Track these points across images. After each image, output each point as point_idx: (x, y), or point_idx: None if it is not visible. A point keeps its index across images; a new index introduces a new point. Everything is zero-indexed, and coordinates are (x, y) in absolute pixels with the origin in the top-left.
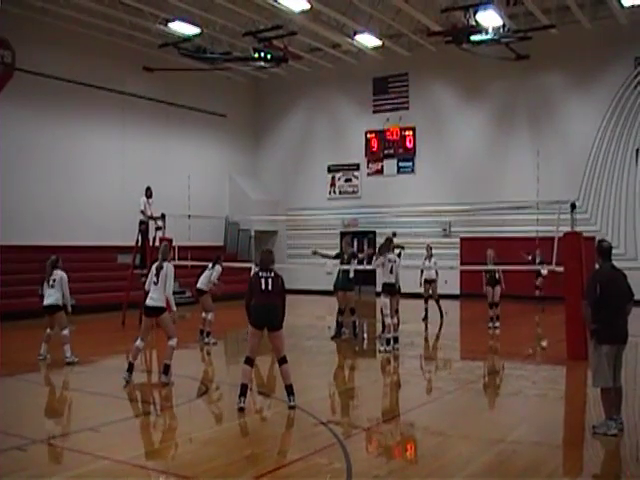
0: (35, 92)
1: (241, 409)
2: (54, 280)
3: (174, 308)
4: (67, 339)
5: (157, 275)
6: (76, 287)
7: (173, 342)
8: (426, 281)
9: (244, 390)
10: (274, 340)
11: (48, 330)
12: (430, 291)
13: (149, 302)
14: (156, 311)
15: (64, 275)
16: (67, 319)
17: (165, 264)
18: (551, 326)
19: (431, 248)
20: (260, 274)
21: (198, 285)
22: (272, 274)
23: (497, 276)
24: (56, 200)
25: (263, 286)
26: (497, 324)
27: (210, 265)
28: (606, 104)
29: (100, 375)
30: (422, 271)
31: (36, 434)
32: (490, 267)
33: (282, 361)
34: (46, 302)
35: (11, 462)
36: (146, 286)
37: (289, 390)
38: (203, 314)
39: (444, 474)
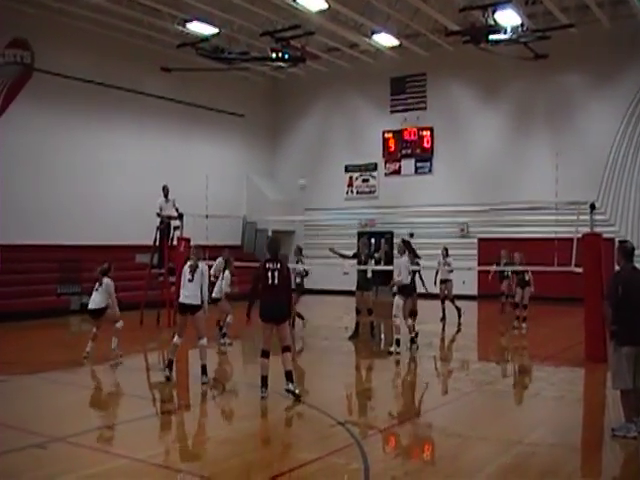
0: (53, 92)
1: (264, 398)
2: (100, 285)
3: (206, 306)
4: (117, 332)
5: (192, 273)
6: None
7: (204, 341)
8: (441, 281)
9: (265, 381)
10: (280, 331)
11: (94, 329)
12: (445, 291)
13: (184, 300)
14: (191, 309)
15: (109, 282)
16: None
17: (200, 264)
18: (568, 328)
19: (447, 250)
20: (267, 265)
21: (213, 295)
22: (279, 265)
23: (527, 278)
24: (73, 200)
25: (270, 280)
26: (524, 325)
27: (220, 275)
28: (626, 103)
29: (118, 374)
30: (437, 272)
31: (55, 432)
32: (515, 268)
33: (285, 349)
34: (89, 306)
35: (31, 460)
36: (181, 285)
37: (288, 376)
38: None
39: (461, 476)
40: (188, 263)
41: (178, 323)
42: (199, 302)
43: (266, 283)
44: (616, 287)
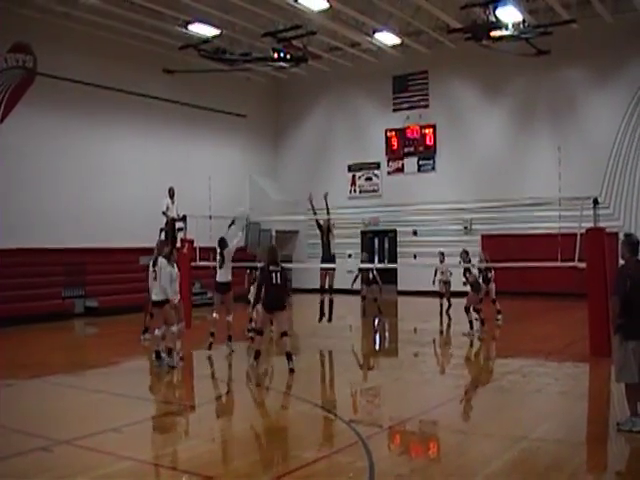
0: (56, 96)
1: (252, 367)
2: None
3: (170, 297)
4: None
5: (154, 270)
6: (99, 289)
7: (174, 328)
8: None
9: (258, 355)
10: (279, 317)
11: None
12: (444, 290)
13: (154, 297)
14: (159, 303)
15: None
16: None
17: (159, 259)
18: (572, 323)
19: (443, 254)
20: (270, 268)
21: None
22: (279, 268)
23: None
24: (77, 203)
25: (274, 280)
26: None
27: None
28: (628, 97)
29: (123, 376)
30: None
31: (61, 435)
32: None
33: (283, 334)
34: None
35: (37, 463)
36: (150, 283)
37: (288, 356)
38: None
39: (467, 472)
40: (151, 261)
41: (155, 317)
42: (165, 297)
43: (270, 282)
44: (624, 281)
